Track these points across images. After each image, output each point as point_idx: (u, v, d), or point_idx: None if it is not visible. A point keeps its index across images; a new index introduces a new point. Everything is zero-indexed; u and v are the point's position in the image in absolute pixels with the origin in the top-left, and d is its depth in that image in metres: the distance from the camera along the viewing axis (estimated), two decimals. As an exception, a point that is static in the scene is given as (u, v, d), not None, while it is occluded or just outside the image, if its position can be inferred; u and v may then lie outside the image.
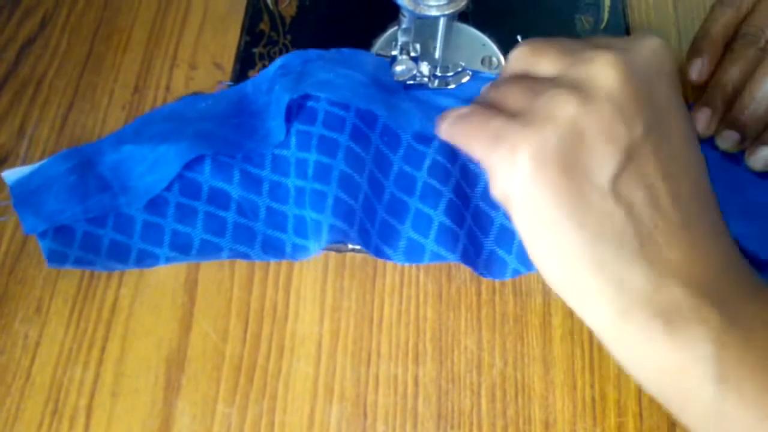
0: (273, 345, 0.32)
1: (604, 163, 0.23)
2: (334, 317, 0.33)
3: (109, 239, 0.33)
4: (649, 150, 0.24)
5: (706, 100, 0.36)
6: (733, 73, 0.35)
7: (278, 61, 0.35)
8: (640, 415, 0.31)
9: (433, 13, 0.32)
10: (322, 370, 0.32)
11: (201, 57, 0.40)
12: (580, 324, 0.32)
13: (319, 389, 0.31)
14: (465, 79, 0.35)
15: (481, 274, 0.32)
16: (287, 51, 0.39)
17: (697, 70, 0.37)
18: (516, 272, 0.31)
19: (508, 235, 0.32)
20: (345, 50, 0.36)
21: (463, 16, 0.39)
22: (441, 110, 0.30)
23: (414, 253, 0.32)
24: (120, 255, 0.33)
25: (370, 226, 0.32)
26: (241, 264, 0.34)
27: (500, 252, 0.32)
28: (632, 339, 0.23)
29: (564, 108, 0.23)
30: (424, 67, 0.34)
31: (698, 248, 0.23)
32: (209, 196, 0.33)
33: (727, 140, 0.35)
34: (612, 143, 0.23)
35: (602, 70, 0.24)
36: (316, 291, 0.33)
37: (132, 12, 0.41)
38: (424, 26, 0.34)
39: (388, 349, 0.32)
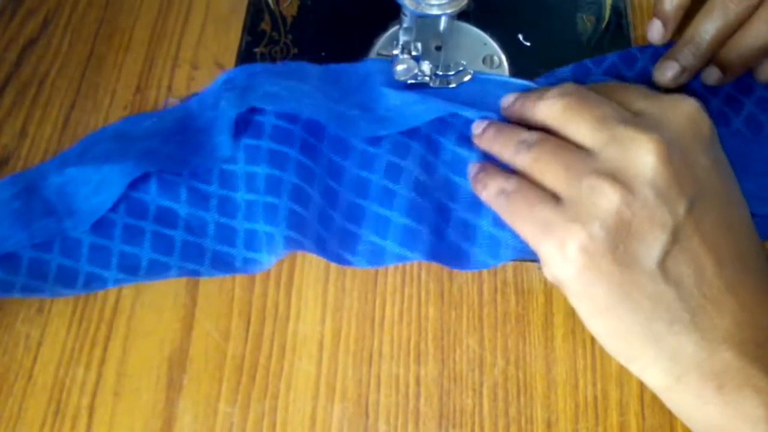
0: (275, 344, 0.32)
1: (651, 248, 0.24)
2: (335, 317, 0.33)
3: (56, 264, 0.32)
4: (692, 225, 0.25)
5: (674, 52, 0.35)
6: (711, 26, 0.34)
7: (222, 77, 0.35)
8: (642, 414, 0.31)
9: (435, 12, 0.32)
10: (323, 370, 0.32)
11: (202, 57, 0.40)
12: (582, 323, 0.32)
13: (321, 389, 0.31)
14: (466, 78, 0.35)
15: (449, 266, 0.32)
16: (288, 51, 0.39)
17: (658, 33, 0.36)
18: (485, 264, 0.32)
19: (471, 229, 0.32)
20: (291, 63, 0.36)
21: (464, 15, 0.39)
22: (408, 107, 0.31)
23: (375, 257, 0.32)
24: (67, 280, 0.32)
25: (327, 234, 0.32)
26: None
27: (465, 245, 0.32)
28: (688, 400, 0.25)
29: (608, 201, 0.25)
30: (426, 66, 0.34)
31: (746, 311, 0.25)
32: (156, 216, 0.33)
33: (711, 76, 0.35)
34: (657, 228, 0.24)
35: (641, 157, 0.25)
36: (317, 290, 0.33)
37: (134, 12, 0.41)
38: (426, 25, 0.34)
39: (389, 348, 0.32)
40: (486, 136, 0.31)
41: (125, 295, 0.33)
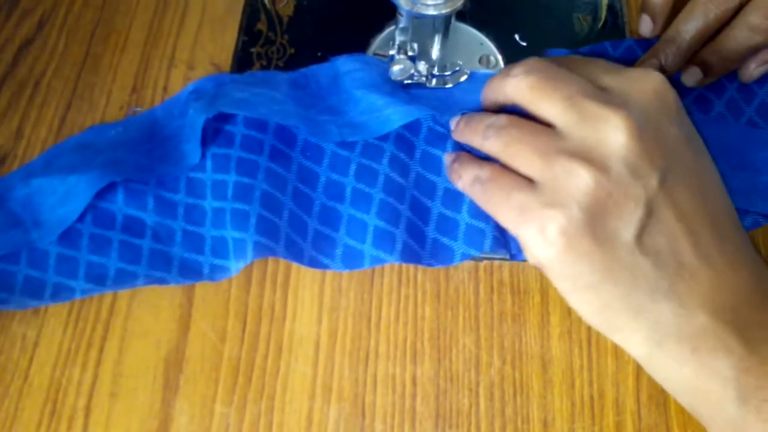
0: (271, 345, 0.32)
1: (628, 224, 0.25)
2: (332, 317, 0.33)
3: (23, 275, 0.32)
4: (665, 197, 0.25)
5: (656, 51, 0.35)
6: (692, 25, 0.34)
7: (190, 86, 0.35)
8: (639, 413, 0.31)
9: (431, 12, 0.32)
10: (320, 370, 0.32)
11: (199, 57, 0.40)
12: (579, 322, 0.32)
13: (318, 389, 0.31)
14: (463, 78, 0.35)
15: (429, 264, 0.32)
16: (285, 51, 0.39)
17: (647, 27, 0.36)
18: (465, 256, 0.32)
19: (450, 223, 0.32)
20: (259, 73, 0.36)
21: (461, 15, 0.39)
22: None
23: (352, 260, 0.32)
24: (35, 291, 0.32)
25: (301, 239, 0.32)
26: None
27: (444, 239, 0.32)
28: (667, 365, 0.26)
29: (583, 182, 0.25)
30: (422, 67, 0.34)
31: (722, 276, 0.25)
32: (123, 225, 0.33)
33: (692, 77, 0.35)
34: (632, 204, 0.25)
35: (611, 135, 0.25)
36: (314, 291, 0.33)
37: (130, 12, 0.41)
38: (422, 25, 0.34)
39: (386, 348, 0.32)
40: (459, 129, 0.31)
41: (121, 295, 0.33)
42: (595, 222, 0.25)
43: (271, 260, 0.34)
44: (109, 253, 0.32)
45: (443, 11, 0.32)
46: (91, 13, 0.41)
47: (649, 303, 0.25)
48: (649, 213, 0.25)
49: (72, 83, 0.39)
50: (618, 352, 0.32)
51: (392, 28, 0.38)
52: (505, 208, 0.27)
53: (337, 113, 0.34)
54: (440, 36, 0.35)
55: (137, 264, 0.32)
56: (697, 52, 0.34)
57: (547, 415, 0.31)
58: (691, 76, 0.35)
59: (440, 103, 0.33)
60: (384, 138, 0.33)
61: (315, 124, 0.33)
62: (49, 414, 0.31)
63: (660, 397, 0.31)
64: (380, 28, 0.39)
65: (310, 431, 0.30)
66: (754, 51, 0.34)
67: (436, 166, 0.33)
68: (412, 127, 0.34)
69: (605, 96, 0.26)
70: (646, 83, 0.27)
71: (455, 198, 0.32)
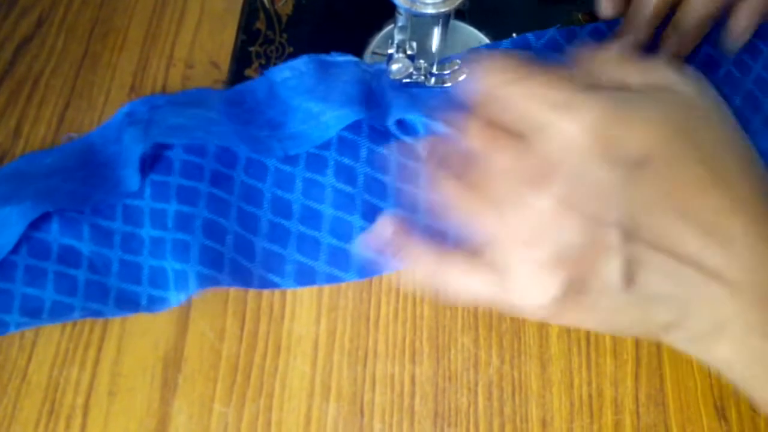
0: (269, 344, 0.32)
1: (609, 278, 0.23)
2: (330, 316, 0.33)
3: None
4: (639, 242, 0.23)
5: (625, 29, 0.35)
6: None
7: (124, 109, 0.35)
8: (637, 412, 0.31)
9: (429, 11, 0.32)
10: (318, 369, 0.32)
11: (198, 56, 0.39)
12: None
13: (316, 388, 0.31)
14: (461, 77, 0.35)
15: (393, 270, 0.32)
16: (283, 50, 0.39)
17: (609, 7, 0.36)
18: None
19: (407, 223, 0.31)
20: (192, 91, 0.36)
21: (459, 14, 0.39)
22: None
23: (305, 277, 0.32)
24: None
25: (248, 262, 0.32)
26: (237, 263, 0.34)
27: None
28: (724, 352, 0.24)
29: (551, 283, 0.23)
30: (421, 65, 0.34)
31: (750, 262, 0.23)
32: (59, 255, 0.32)
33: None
34: (604, 262, 0.23)
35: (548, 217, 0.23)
36: (312, 290, 0.33)
37: (128, 11, 0.41)
38: (421, 24, 0.34)
39: (384, 347, 0.32)
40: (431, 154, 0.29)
41: (120, 294, 0.33)
42: (578, 293, 0.24)
43: (269, 259, 0.34)
44: (45, 285, 0.31)
45: (442, 10, 0.32)
46: (90, 11, 0.41)
47: (671, 328, 0.24)
48: (630, 260, 0.23)
49: (71, 82, 0.39)
50: (617, 351, 0.32)
51: (391, 27, 0.38)
52: (480, 228, 0.26)
53: (277, 126, 0.34)
54: (439, 35, 0.35)
55: (73, 296, 0.31)
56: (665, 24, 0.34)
57: (546, 414, 0.31)
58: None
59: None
60: (326, 146, 0.33)
61: (256, 141, 0.32)
62: (48, 413, 0.31)
63: (659, 397, 0.31)
64: (379, 27, 0.39)
65: (308, 430, 0.30)
66: (713, 21, 0.33)
67: (384, 165, 0.33)
68: (353, 126, 0.33)
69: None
70: (684, 84, 0.25)
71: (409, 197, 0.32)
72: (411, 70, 0.34)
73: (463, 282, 0.26)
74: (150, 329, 0.32)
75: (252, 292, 0.33)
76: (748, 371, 0.24)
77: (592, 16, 0.40)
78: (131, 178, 0.32)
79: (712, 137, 0.25)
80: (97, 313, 0.32)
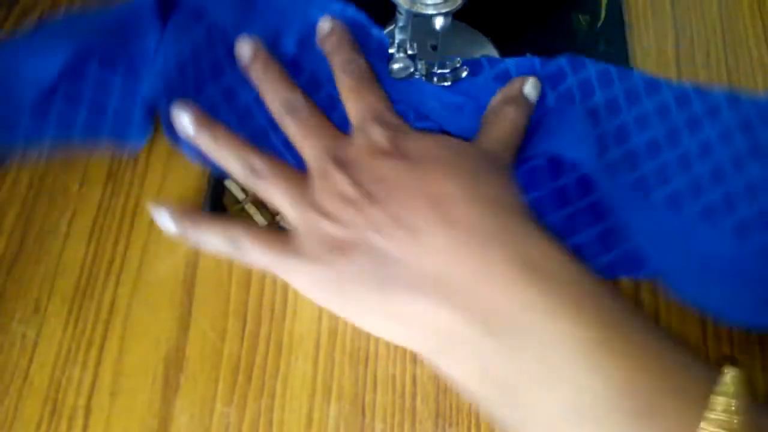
0: (271, 344, 0.32)
1: None
2: (332, 316, 0.33)
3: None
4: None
5: None
6: None
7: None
8: (638, 412, 0.31)
9: (430, 11, 0.32)
10: (320, 369, 0.32)
11: None
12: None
13: (318, 388, 0.31)
14: (463, 75, 0.35)
15: None
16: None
17: None
18: None
19: None
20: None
21: (460, 14, 0.39)
22: None
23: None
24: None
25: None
26: (239, 263, 0.34)
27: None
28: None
29: None
30: (422, 65, 0.34)
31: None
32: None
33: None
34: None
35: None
36: (314, 290, 0.33)
37: (129, 11, 0.41)
38: (421, 24, 0.34)
39: (386, 348, 0.32)
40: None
41: (121, 294, 0.33)
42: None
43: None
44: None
45: (442, 10, 0.32)
46: (90, 11, 0.41)
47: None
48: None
49: (71, 82, 0.39)
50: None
51: (392, 26, 0.38)
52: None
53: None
54: (440, 35, 0.35)
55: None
56: None
57: (547, 414, 0.31)
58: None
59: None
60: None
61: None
62: (49, 413, 0.31)
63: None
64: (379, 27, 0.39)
65: (310, 430, 0.30)
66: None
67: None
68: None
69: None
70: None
71: None
72: (411, 69, 0.34)
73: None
74: (151, 329, 0.32)
75: (253, 291, 0.33)
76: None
77: (593, 17, 0.40)
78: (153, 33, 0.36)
79: None
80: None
